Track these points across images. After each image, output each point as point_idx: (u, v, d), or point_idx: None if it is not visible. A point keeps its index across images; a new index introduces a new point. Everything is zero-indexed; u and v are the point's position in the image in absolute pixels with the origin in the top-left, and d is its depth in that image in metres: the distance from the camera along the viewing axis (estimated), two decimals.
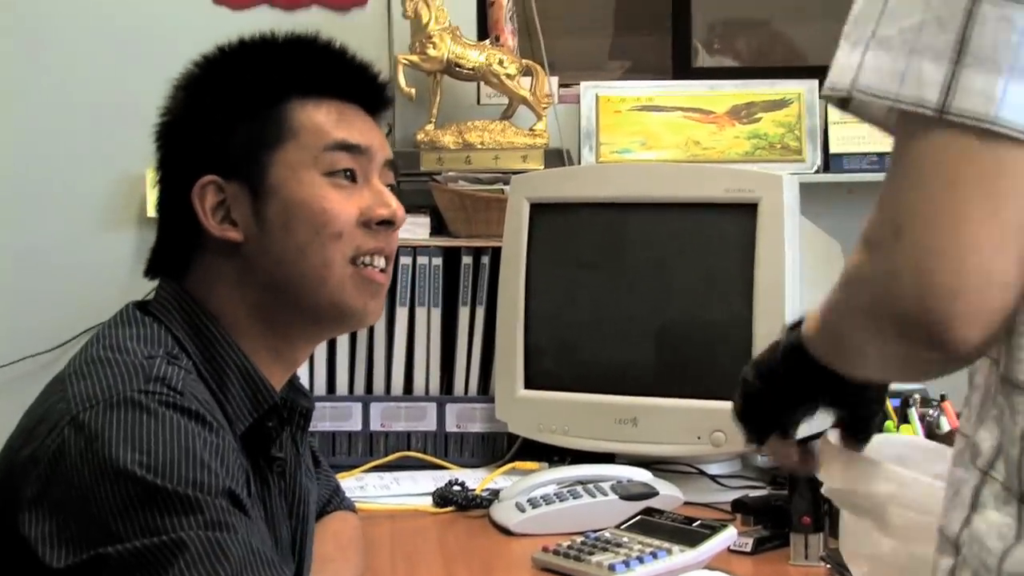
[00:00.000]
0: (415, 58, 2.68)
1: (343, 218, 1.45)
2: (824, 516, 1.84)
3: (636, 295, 2.36)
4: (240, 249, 1.44)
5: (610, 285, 2.39)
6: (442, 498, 2.23)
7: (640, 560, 1.81)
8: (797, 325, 1.19)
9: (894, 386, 1.78)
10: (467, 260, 2.56)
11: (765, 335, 2.20)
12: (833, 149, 2.79)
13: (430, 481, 2.35)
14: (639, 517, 1.97)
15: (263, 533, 1.35)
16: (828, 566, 1.81)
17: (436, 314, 2.56)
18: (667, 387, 2.31)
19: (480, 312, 2.56)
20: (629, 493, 2.10)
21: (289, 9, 2.87)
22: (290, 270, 1.44)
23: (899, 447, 1.32)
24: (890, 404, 1.96)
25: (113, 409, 1.28)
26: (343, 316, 1.48)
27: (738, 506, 2.05)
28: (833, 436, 1.29)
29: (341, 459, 2.48)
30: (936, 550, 1.03)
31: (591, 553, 1.85)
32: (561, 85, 2.85)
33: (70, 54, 2.82)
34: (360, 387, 2.57)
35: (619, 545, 1.87)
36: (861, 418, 1.27)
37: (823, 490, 1.34)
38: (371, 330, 2.52)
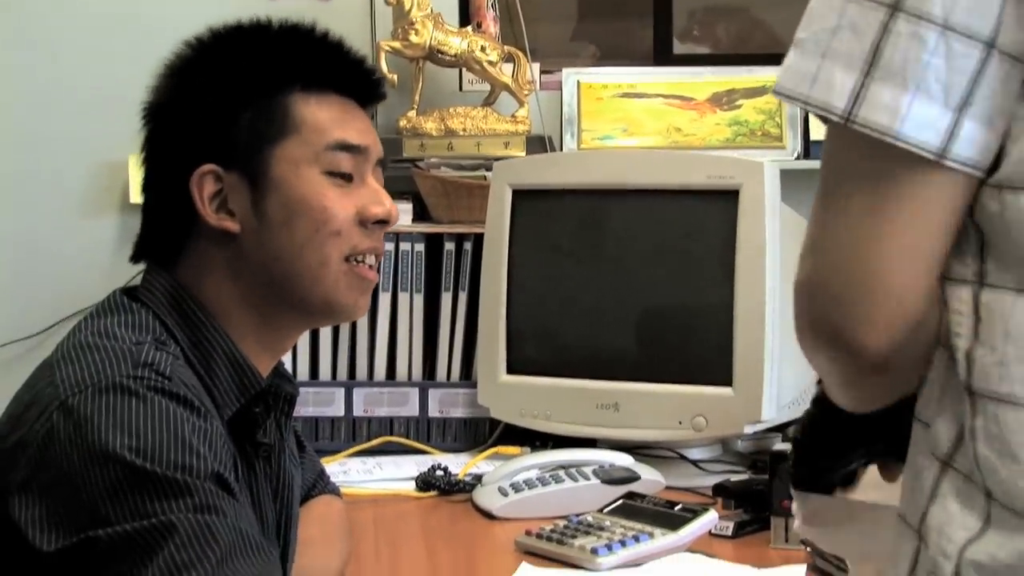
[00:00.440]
0: (397, 44, 2.68)
1: (341, 216, 1.46)
2: None
3: (618, 281, 2.38)
4: (235, 240, 1.45)
5: (592, 271, 2.41)
6: (425, 483, 2.25)
7: (623, 543, 1.83)
8: None
9: None
10: (449, 246, 2.57)
11: (746, 321, 2.23)
12: (813, 136, 2.80)
13: (413, 466, 2.37)
14: (621, 501, 1.99)
15: (250, 517, 1.36)
16: (808, 549, 1.82)
17: (418, 300, 2.58)
18: (649, 372, 2.33)
19: (462, 298, 2.57)
20: (611, 477, 2.12)
21: None
22: (287, 265, 1.45)
23: None
24: None
25: (102, 394, 1.29)
26: (333, 311, 1.50)
27: (719, 490, 2.06)
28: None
29: (324, 444, 2.49)
30: (897, 535, 1.04)
31: (574, 536, 1.87)
32: (543, 72, 2.85)
33: (52, 40, 2.81)
34: (343, 372, 2.58)
35: (602, 529, 1.89)
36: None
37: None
38: None
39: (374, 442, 2.52)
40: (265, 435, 1.49)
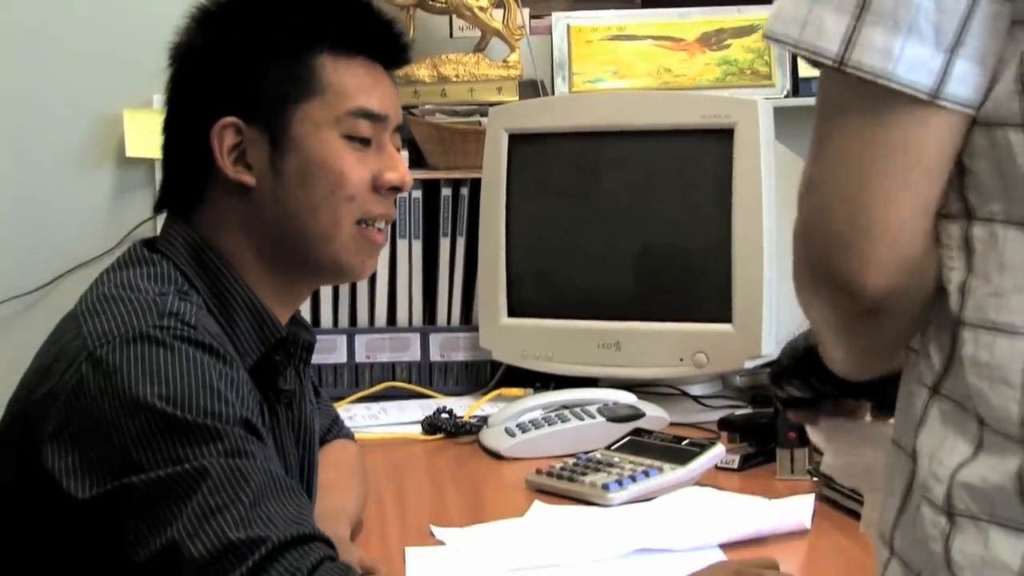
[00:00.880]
0: None
1: (356, 180, 1.48)
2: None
3: (616, 222, 2.40)
4: (250, 193, 1.47)
5: (590, 213, 2.43)
6: (431, 426, 2.28)
7: (633, 479, 1.86)
8: None
9: None
10: (446, 192, 2.59)
11: (744, 257, 2.26)
12: (802, 73, 2.81)
13: (417, 410, 2.40)
14: (629, 438, 2.02)
15: (276, 461, 1.38)
16: (814, 479, 1.87)
17: (417, 246, 2.60)
18: (648, 311, 2.36)
19: (460, 243, 2.59)
20: (616, 415, 2.15)
21: None
22: (299, 224, 1.47)
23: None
24: None
25: (130, 344, 1.31)
26: (340, 271, 1.53)
27: (724, 424, 2.10)
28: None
29: (328, 391, 2.49)
30: (892, 459, 1.08)
31: (584, 473, 1.90)
32: (532, 16, 2.86)
33: None
34: (344, 320, 2.61)
35: (611, 465, 1.92)
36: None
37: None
38: None
39: (377, 387, 2.55)
40: (286, 382, 1.51)
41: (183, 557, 1.22)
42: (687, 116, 2.34)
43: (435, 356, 2.59)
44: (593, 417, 2.15)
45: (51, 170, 2.80)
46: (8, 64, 2.78)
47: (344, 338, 2.58)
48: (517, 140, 2.46)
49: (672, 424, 2.21)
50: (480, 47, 2.76)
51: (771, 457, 1.97)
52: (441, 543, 1.71)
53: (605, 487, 1.85)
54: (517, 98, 2.70)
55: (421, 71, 2.70)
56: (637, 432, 2.04)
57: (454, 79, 2.71)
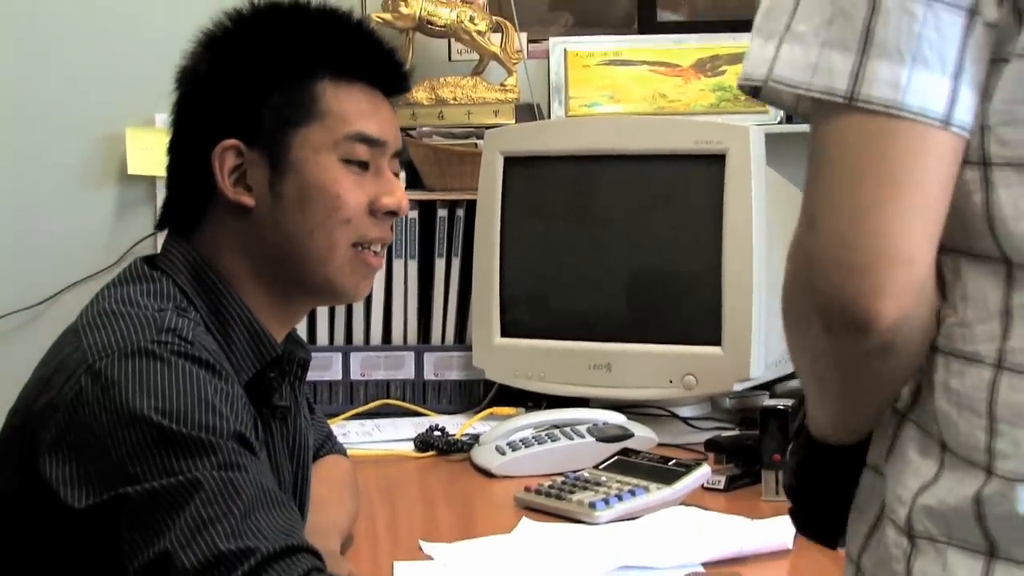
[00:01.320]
0: (388, 16, 2.73)
1: (353, 204, 1.51)
2: None
3: (609, 245, 2.44)
4: (250, 214, 1.50)
5: (583, 235, 2.47)
6: (424, 443, 2.31)
7: (619, 498, 1.89)
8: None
9: None
10: (442, 213, 2.63)
11: (734, 282, 2.29)
12: None
13: (410, 427, 2.43)
14: (616, 457, 2.05)
15: (269, 476, 1.42)
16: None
17: (413, 266, 2.64)
18: (639, 334, 2.39)
19: (455, 263, 2.63)
20: (605, 435, 2.18)
21: None
22: (296, 246, 1.50)
23: None
24: None
25: (128, 358, 1.35)
26: (336, 293, 1.55)
27: (711, 445, 2.12)
28: None
29: (323, 407, 2.53)
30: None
31: (572, 492, 1.93)
32: (530, 41, 2.90)
33: (50, 15, 2.84)
34: (340, 338, 2.65)
35: (599, 484, 1.95)
36: None
37: None
38: None
39: (371, 405, 2.58)
40: (281, 398, 1.55)
41: (175, 567, 1.25)
42: (680, 141, 2.38)
43: (429, 375, 2.62)
44: (583, 437, 2.18)
45: (54, 187, 2.84)
46: (13, 83, 2.82)
47: (340, 356, 2.62)
48: (512, 163, 2.49)
49: (660, 444, 2.24)
50: (478, 70, 2.80)
51: (757, 478, 2.00)
52: (430, 558, 1.74)
53: (592, 505, 1.88)
54: (514, 121, 2.73)
55: (419, 93, 2.74)
56: (625, 452, 2.07)
57: (452, 102, 2.75)
